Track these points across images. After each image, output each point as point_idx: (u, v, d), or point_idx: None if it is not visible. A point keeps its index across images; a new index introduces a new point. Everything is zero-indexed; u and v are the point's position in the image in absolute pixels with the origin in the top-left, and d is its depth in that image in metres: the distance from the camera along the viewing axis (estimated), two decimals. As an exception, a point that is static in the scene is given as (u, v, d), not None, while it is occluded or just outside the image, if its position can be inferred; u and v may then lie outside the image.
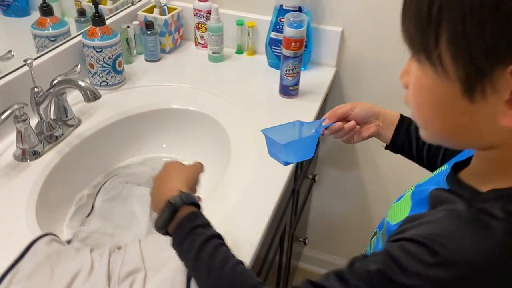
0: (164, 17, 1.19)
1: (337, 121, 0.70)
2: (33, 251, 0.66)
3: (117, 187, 0.95)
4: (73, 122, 0.94)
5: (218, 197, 0.81)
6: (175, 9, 1.24)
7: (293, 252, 1.34)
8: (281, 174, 0.84)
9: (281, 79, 1.05)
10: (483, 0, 0.33)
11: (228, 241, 0.58)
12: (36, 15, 1.25)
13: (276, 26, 1.13)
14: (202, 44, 1.27)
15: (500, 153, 0.42)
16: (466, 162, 0.49)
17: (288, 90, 1.06)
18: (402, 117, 0.72)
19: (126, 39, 1.15)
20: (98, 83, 1.06)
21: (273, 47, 1.17)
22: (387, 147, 0.75)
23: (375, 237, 0.60)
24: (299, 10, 1.09)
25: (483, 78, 0.36)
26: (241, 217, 0.76)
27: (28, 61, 0.83)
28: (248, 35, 1.23)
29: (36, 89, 0.85)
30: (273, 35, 1.15)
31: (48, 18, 1.03)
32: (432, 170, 0.65)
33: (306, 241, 1.41)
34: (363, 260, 0.46)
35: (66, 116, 0.93)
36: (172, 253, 0.62)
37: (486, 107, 0.38)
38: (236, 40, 1.25)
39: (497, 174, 0.44)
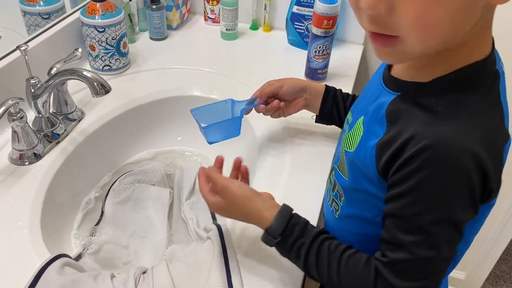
0: (170, -11, 1.05)
1: (266, 100, 0.74)
2: (43, 281, 0.56)
3: (128, 187, 0.84)
4: (75, 115, 0.82)
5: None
6: (182, -21, 1.10)
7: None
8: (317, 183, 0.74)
9: (309, 61, 0.93)
10: None
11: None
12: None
13: (300, 0, 1.00)
14: (213, 19, 1.13)
15: (450, 46, 0.44)
16: None
17: (317, 73, 0.94)
18: (327, 87, 0.76)
19: (129, 15, 1.01)
20: (101, 67, 0.93)
21: (296, 23, 1.04)
22: (316, 119, 0.78)
23: (332, 172, 0.63)
24: (327, -19, 0.96)
25: None
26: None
27: (22, 48, 0.69)
28: (265, 9, 1.10)
29: (32, 80, 0.72)
30: (295, 9, 1.02)
31: (38, -8, 0.89)
32: None
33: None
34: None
35: (68, 109, 0.80)
36: (207, 278, 0.53)
37: None
38: (251, 14, 1.12)
39: (442, 62, 0.46)
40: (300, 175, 0.75)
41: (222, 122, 0.72)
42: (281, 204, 0.57)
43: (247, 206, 0.57)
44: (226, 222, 0.67)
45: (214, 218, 0.77)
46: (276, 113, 0.76)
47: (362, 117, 0.55)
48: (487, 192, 0.46)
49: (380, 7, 0.41)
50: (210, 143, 0.72)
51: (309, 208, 0.67)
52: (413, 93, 0.49)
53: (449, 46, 0.45)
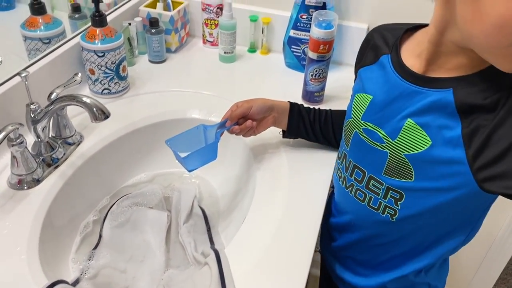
0: (169, 13, 1.06)
1: (237, 122, 0.77)
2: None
3: (126, 210, 0.84)
4: (74, 139, 0.82)
5: (253, 227, 0.71)
6: (181, 3, 1.12)
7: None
8: (317, 197, 0.75)
9: (306, 84, 0.95)
10: None
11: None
12: (21, 8, 1.11)
13: (297, 24, 1.02)
14: (211, 42, 1.15)
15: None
16: None
17: (313, 96, 0.95)
18: (291, 103, 0.81)
19: (128, 39, 1.03)
20: (100, 91, 0.94)
21: (293, 46, 1.06)
22: (284, 134, 0.83)
23: (372, 181, 0.65)
24: (323, 5, 0.98)
25: None
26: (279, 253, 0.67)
27: (23, 74, 0.71)
28: (262, 32, 1.12)
29: (32, 106, 0.73)
30: (292, 33, 1.04)
31: (40, 18, 0.90)
32: (329, 144, 0.84)
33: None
34: None
35: (67, 134, 0.81)
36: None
37: None
38: (249, 37, 1.14)
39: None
40: (299, 180, 0.79)
41: (200, 150, 0.73)
42: None
43: None
44: (224, 247, 0.68)
45: (212, 243, 0.77)
46: (248, 133, 0.79)
47: (409, 119, 0.58)
48: None
49: None
50: (190, 171, 0.73)
51: (311, 212, 0.71)
52: (471, 83, 0.54)
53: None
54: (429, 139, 0.57)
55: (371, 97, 0.64)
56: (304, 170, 0.81)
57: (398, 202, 0.63)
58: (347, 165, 0.71)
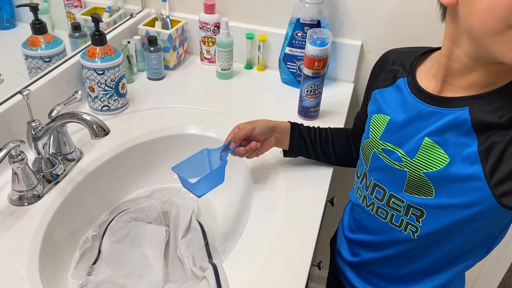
0: (168, 32, 1.09)
1: (241, 143, 0.78)
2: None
3: (124, 226, 0.85)
4: (74, 155, 0.84)
5: (250, 241, 0.72)
6: (179, 21, 1.14)
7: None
8: (314, 208, 0.76)
9: (301, 100, 0.97)
10: None
11: None
12: (22, 26, 1.14)
13: (292, 41, 1.04)
14: (209, 59, 1.17)
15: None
16: None
17: (309, 111, 0.97)
18: (292, 124, 0.83)
19: (127, 56, 1.05)
20: (99, 108, 0.95)
21: (288, 63, 1.08)
22: (285, 154, 0.85)
23: (392, 199, 0.66)
24: (318, 23, 1.00)
25: None
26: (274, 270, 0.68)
27: (25, 93, 0.72)
28: (258, 49, 1.14)
29: (33, 123, 0.74)
30: (288, 50, 1.06)
31: (41, 37, 0.92)
32: (329, 161, 0.85)
33: (321, 265, 1.33)
34: None
35: (67, 150, 0.83)
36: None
37: None
38: (246, 54, 1.16)
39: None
40: (296, 195, 0.80)
41: (209, 174, 0.74)
42: None
43: None
44: (222, 261, 0.69)
45: (210, 257, 0.78)
46: (252, 154, 0.80)
47: (427, 138, 0.60)
48: None
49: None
50: (199, 196, 0.73)
51: (308, 227, 0.73)
52: (486, 101, 0.57)
53: None
54: (447, 157, 0.59)
55: (388, 117, 0.67)
56: (300, 186, 0.82)
57: (420, 219, 0.65)
58: (367, 184, 0.72)
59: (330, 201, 1.21)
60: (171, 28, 1.12)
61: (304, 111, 0.98)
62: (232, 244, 0.76)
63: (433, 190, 0.61)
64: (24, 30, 1.12)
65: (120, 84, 0.95)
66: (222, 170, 0.75)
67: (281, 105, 1.05)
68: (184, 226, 0.85)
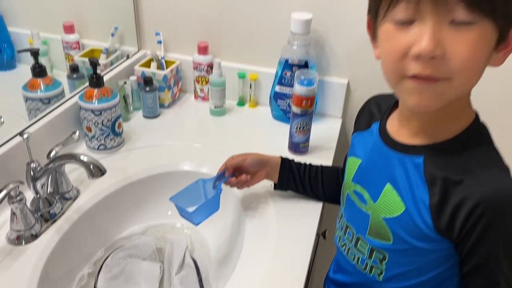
0: (163, 72, 1.14)
1: (233, 173, 0.82)
2: None
3: (120, 262, 0.87)
4: (71, 194, 0.86)
5: (243, 274, 0.74)
6: (174, 62, 1.19)
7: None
8: (305, 241, 0.78)
9: (291, 136, 1.00)
10: None
11: None
12: (22, 67, 1.18)
13: (281, 80, 1.09)
14: (202, 97, 1.21)
15: (461, 101, 0.55)
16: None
17: (299, 147, 1.01)
18: (283, 159, 0.86)
19: (124, 96, 1.09)
20: (96, 146, 0.99)
21: (278, 100, 1.12)
22: (275, 187, 0.88)
23: (360, 242, 0.67)
24: (305, 64, 1.05)
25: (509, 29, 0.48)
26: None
27: (25, 136, 0.76)
28: (250, 88, 1.19)
29: (33, 164, 0.77)
30: (277, 88, 1.11)
31: (40, 80, 0.96)
32: (317, 197, 0.87)
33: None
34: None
35: (64, 189, 0.85)
36: None
37: (497, 52, 0.50)
38: (238, 92, 1.20)
39: (454, 121, 0.56)
40: (287, 227, 0.82)
41: (206, 203, 0.78)
42: None
43: None
44: (214, 297, 0.70)
45: (203, 293, 0.80)
46: (243, 185, 0.84)
47: (388, 184, 0.61)
48: None
49: (437, 51, 0.48)
50: (196, 224, 0.78)
51: (299, 260, 0.75)
52: (438, 153, 0.56)
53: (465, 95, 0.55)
54: (403, 205, 0.59)
55: (360, 160, 0.69)
56: (291, 219, 0.85)
57: (383, 262, 0.65)
58: (342, 225, 0.74)
59: (322, 234, 1.23)
60: (166, 68, 1.17)
61: (294, 147, 1.01)
62: (225, 279, 0.77)
63: (391, 236, 0.62)
64: (24, 71, 1.16)
65: (117, 123, 0.98)
66: (217, 198, 0.80)
67: (272, 140, 1.09)
68: (178, 263, 0.87)
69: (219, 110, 1.16)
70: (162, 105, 1.18)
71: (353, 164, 0.71)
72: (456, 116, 0.56)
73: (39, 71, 0.96)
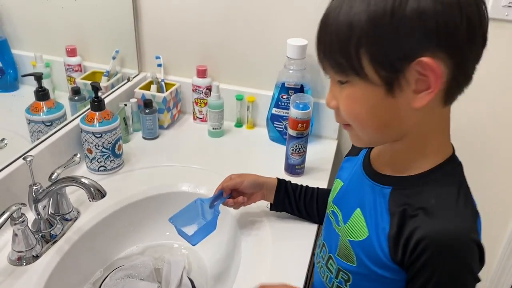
0: (163, 95, 1.17)
1: (230, 193, 0.85)
2: None
3: (118, 283, 0.88)
4: (72, 215, 0.88)
5: (234, 298, 0.75)
6: (173, 85, 1.23)
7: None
8: (300, 264, 0.80)
9: (287, 158, 1.03)
10: (387, 27, 0.48)
11: None
12: (24, 89, 1.21)
13: (278, 103, 1.12)
14: (201, 118, 1.24)
15: (411, 140, 0.56)
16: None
17: (295, 168, 1.03)
18: (279, 181, 0.89)
19: (124, 118, 1.12)
20: (96, 168, 1.01)
21: (275, 122, 1.15)
22: (271, 207, 0.90)
23: (330, 261, 0.69)
24: (301, 87, 1.09)
25: (399, 76, 0.50)
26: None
27: (28, 159, 0.78)
28: (248, 109, 1.22)
29: (35, 187, 0.79)
30: (274, 111, 1.14)
31: (43, 103, 0.99)
32: (311, 219, 0.89)
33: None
34: None
35: (65, 210, 0.87)
36: None
37: (404, 98, 0.51)
38: (236, 113, 1.23)
39: (415, 158, 0.58)
40: (283, 246, 0.84)
41: (204, 225, 0.82)
42: None
43: None
44: (211, 318, 0.72)
45: (200, 313, 0.81)
46: (239, 206, 0.87)
47: (358, 209, 0.63)
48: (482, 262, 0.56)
49: (332, 103, 0.57)
50: (194, 245, 0.81)
51: (295, 278, 0.73)
52: (404, 186, 0.58)
53: (394, 138, 0.58)
54: (367, 231, 0.61)
55: (342, 183, 0.72)
56: (287, 239, 0.86)
57: (347, 283, 0.66)
58: (319, 243, 0.76)
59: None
60: (166, 91, 1.20)
61: (290, 168, 1.03)
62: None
63: (355, 259, 0.63)
64: (26, 92, 1.19)
65: (117, 145, 1.01)
66: (215, 220, 0.83)
67: (269, 161, 1.11)
68: (176, 283, 0.88)
69: (217, 132, 1.19)
70: (161, 127, 1.20)
71: (336, 186, 0.73)
72: (424, 153, 0.57)
73: (42, 94, 0.98)
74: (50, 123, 0.99)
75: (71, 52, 1.19)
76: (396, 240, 0.57)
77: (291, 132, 0.99)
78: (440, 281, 0.54)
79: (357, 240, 0.63)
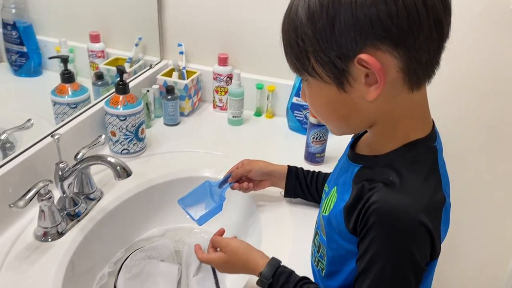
0: (184, 82, 1.18)
1: (238, 180, 0.89)
2: None
3: (139, 263, 0.89)
4: (95, 195, 0.90)
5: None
6: (194, 72, 1.23)
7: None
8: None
9: (307, 146, 1.03)
10: (325, 28, 0.50)
11: None
12: (48, 74, 1.23)
13: (299, 91, 1.12)
14: (221, 106, 1.25)
15: (382, 125, 0.57)
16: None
17: (315, 157, 1.03)
18: (289, 168, 0.90)
19: (146, 104, 1.13)
20: (119, 151, 1.02)
21: (295, 111, 1.15)
22: (285, 194, 0.91)
23: (316, 236, 0.70)
24: (323, 76, 1.08)
25: (345, 73, 0.51)
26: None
27: (56, 137, 0.79)
28: (267, 98, 1.22)
29: (61, 165, 0.81)
30: (295, 100, 1.14)
31: (69, 85, 1.01)
32: None
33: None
34: None
35: (89, 190, 0.88)
36: None
37: (356, 92, 0.52)
38: (255, 102, 1.24)
39: (385, 141, 0.58)
40: (302, 226, 0.83)
41: (209, 210, 0.85)
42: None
43: (247, 256, 0.72)
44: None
45: (220, 294, 0.82)
46: (246, 191, 0.90)
47: (336, 187, 0.64)
48: (433, 250, 0.54)
49: (303, 99, 0.61)
50: (200, 225, 0.85)
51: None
52: (371, 164, 0.59)
53: (363, 127, 0.60)
54: (333, 205, 0.62)
55: (337, 163, 0.72)
56: (303, 215, 0.87)
57: (324, 258, 0.67)
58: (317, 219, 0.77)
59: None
60: (187, 78, 1.21)
61: (310, 157, 1.04)
62: (242, 282, 0.79)
63: (326, 232, 0.64)
64: (49, 77, 1.21)
65: (140, 129, 1.02)
66: (221, 204, 0.86)
67: (289, 150, 1.12)
68: (196, 265, 0.89)
69: (237, 120, 1.20)
70: (182, 114, 1.21)
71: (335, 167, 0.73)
72: (394, 136, 0.57)
73: (68, 76, 1.00)
74: (75, 106, 1.01)
75: (95, 38, 1.21)
76: (351, 209, 0.57)
77: (312, 120, 0.99)
78: (378, 252, 0.53)
79: (325, 214, 0.65)
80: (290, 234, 0.84)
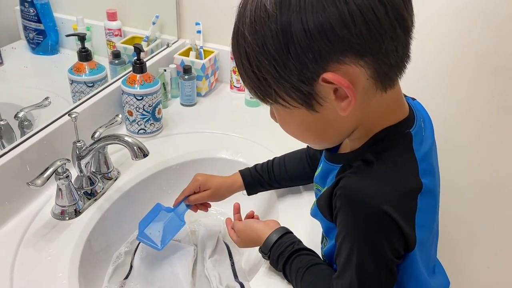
0: (201, 61, 1.16)
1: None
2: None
3: (155, 243, 0.89)
4: (112, 175, 0.89)
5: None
6: (212, 52, 1.21)
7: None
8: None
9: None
10: (280, 55, 0.46)
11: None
12: (65, 52, 1.23)
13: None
14: (238, 87, 1.23)
15: (361, 129, 0.55)
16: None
17: (334, 140, 1.01)
18: (243, 175, 0.86)
19: (163, 84, 1.12)
20: (136, 130, 1.02)
21: (314, 93, 1.13)
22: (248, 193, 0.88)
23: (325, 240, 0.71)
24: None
25: (312, 95, 0.49)
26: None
27: (73, 115, 0.79)
28: (286, 80, 1.20)
29: (78, 143, 0.80)
30: (314, 81, 1.12)
31: (86, 64, 1.00)
32: (291, 186, 0.90)
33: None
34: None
35: (106, 169, 0.88)
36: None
37: (327, 109, 0.50)
38: (274, 84, 1.21)
39: (363, 139, 0.56)
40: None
41: (172, 235, 0.84)
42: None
43: (259, 228, 0.73)
44: (248, 281, 0.72)
45: (235, 276, 0.82)
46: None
47: (326, 188, 0.63)
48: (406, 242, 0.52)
49: (272, 118, 0.59)
50: (160, 249, 0.82)
51: None
52: (349, 160, 0.57)
53: (343, 137, 0.57)
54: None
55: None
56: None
57: (325, 246, 0.69)
58: None
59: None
60: (205, 58, 1.19)
61: (329, 140, 1.01)
62: (258, 264, 0.79)
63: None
64: (66, 55, 1.21)
65: (157, 109, 1.01)
66: (181, 227, 0.84)
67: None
68: (212, 246, 0.89)
69: (254, 101, 1.18)
70: (199, 94, 1.20)
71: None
72: (368, 135, 0.55)
73: (85, 55, 0.99)
74: (92, 84, 1.00)
75: (112, 16, 1.19)
76: (329, 196, 0.57)
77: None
78: (346, 236, 0.54)
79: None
80: (306, 221, 0.82)
